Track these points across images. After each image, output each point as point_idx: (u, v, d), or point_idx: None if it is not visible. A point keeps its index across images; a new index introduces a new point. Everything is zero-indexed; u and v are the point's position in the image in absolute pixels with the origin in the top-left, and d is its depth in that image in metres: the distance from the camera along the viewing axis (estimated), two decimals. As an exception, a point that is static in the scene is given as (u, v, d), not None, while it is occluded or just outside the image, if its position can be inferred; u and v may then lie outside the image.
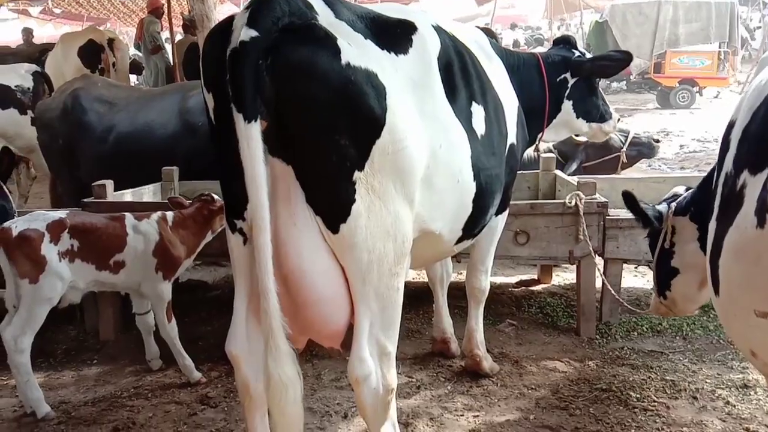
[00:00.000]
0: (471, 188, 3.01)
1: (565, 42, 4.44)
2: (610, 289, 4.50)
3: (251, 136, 2.18)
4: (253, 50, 2.17)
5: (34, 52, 10.74)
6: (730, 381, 3.97)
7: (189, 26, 11.51)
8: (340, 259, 2.47)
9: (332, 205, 2.41)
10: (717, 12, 18.58)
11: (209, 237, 4.17)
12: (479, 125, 3.10)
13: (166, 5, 10.49)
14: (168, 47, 12.54)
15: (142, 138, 5.54)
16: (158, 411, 3.83)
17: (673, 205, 3.54)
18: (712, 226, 2.22)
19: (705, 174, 3.47)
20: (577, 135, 4.91)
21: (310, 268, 2.44)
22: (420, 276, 5.95)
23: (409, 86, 2.58)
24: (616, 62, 4.28)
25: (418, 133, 2.57)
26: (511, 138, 3.56)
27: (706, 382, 4.00)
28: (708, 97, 20.20)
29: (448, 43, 3.01)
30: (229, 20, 2.31)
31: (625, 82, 21.55)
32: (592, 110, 4.34)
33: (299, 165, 2.36)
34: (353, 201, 2.40)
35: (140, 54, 13.44)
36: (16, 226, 3.65)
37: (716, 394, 3.84)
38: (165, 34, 12.74)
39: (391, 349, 2.62)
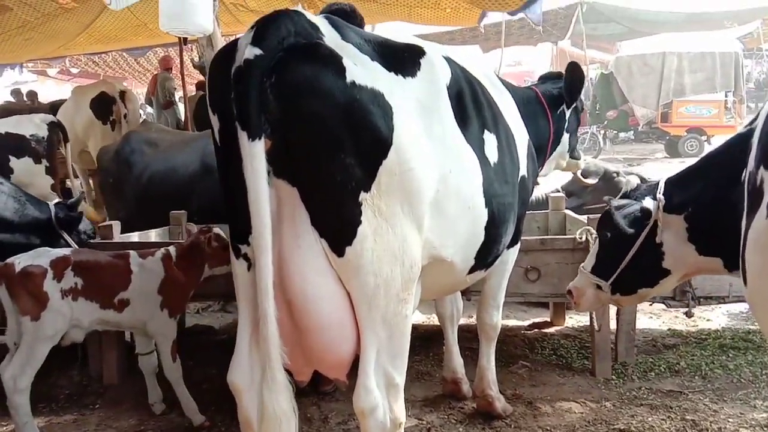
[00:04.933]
0: (483, 215, 2.94)
1: (556, 77, 4.43)
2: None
3: (255, 154, 2.14)
4: (257, 68, 2.15)
5: (47, 108, 10.89)
6: (754, 420, 3.81)
7: (203, 85, 11.72)
8: (345, 284, 2.40)
9: (338, 227, 2.35)
10: (722, 62, 18.81)
11: (207, 271, 4.04)
12: (491, 153, 3.04)
13: (178, 61, 10.68)
14: (180, 105, 12.77)
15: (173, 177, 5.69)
16: (160, 454, 3.71)
17: (661, 199, 3.18)
18: (744, 221, 2.24)
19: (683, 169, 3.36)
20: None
21: (314, 293, 2.36)
22: (430, 319, 5.85)
23: (417, 109, 2.53)
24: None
25: (426, 156, 2.52)
26: (522, 170, 3.51)
27: (728, 421, 3.83)
28: (716, 145, 20.20)
29: (459, 72, 2.97)
30: (235, 42, 2.30)
31: (632, 132, 21.63)
32: (575, 145, 4.46)
33: (304, 186, 2.31)
34: (359, 223, 2.34)
35: (151, 111, 13.63)
36: (19, 261, 3.60)
37: (740, 434, 3.69)
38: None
39: (399, 380, 2.52)
